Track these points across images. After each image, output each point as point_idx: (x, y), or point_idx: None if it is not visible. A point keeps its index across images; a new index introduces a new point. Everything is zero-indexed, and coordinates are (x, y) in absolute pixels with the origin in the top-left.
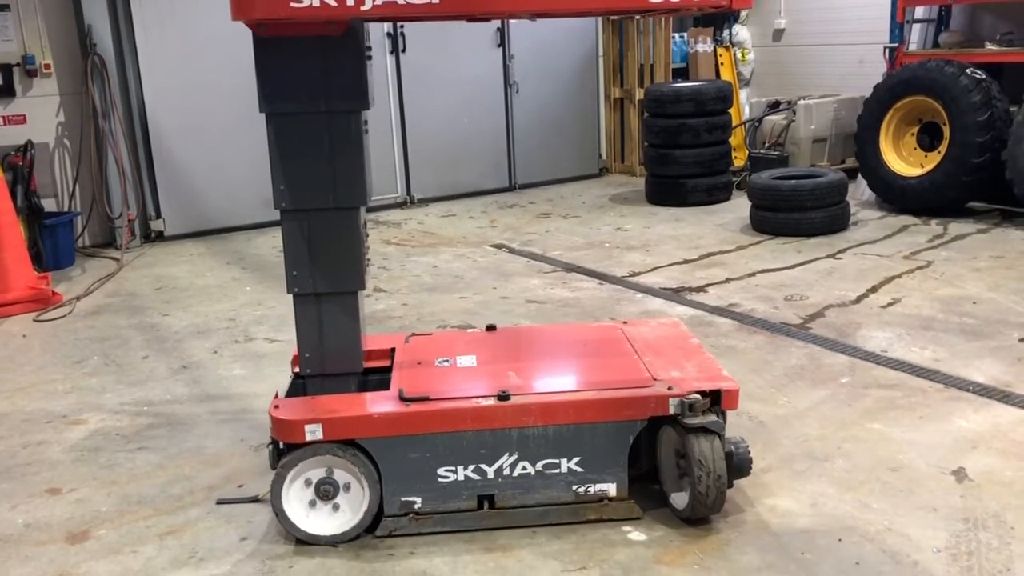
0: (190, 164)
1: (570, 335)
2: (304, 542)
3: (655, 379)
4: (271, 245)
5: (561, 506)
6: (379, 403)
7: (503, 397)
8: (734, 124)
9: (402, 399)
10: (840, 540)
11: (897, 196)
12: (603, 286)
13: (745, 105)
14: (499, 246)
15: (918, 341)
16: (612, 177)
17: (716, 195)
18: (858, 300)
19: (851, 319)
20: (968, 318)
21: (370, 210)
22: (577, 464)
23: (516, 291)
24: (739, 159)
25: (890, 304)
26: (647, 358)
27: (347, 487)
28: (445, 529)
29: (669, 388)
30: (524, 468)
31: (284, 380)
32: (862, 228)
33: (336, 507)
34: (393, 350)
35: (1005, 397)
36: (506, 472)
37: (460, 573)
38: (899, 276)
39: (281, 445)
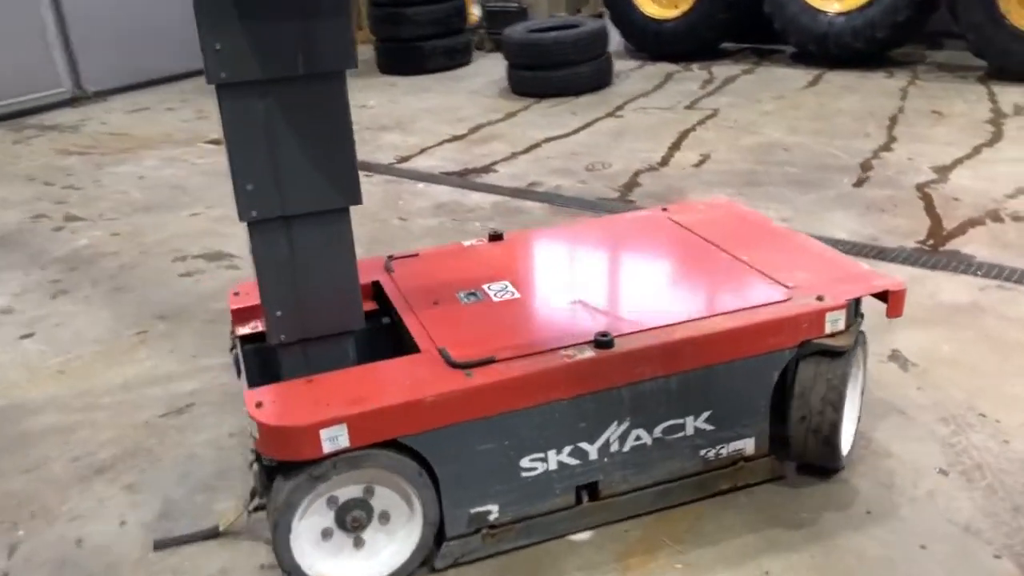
0: None
1: (614, 235)
2: None
3: (786, 287)
4: None
5: (684, 480)
6: (424, 378)
7: (603, 343)
8: None
9: (453, 366)
10: None
11: (652, 42)
12: (372, 178)
13: None
14: (220, 142)
15: (752, 199)
16: None
17: (457, 58)
18: (664, 161)
19: (669, 183)
20: (788, 167)
21: (28, 112)
22: (707, 421)
23: None
24: (472, 16)
25: (701, 162)
26: (746, 257)
27: (385, 511)
28: (530, 541)
29: (819, 298)
30: (638, 438)
31: None
32: (626, 81)
33: (373, 541)
34: (376, 285)
35: (880, 253)
36: (614, 448)
37: None
38: (692, 129)
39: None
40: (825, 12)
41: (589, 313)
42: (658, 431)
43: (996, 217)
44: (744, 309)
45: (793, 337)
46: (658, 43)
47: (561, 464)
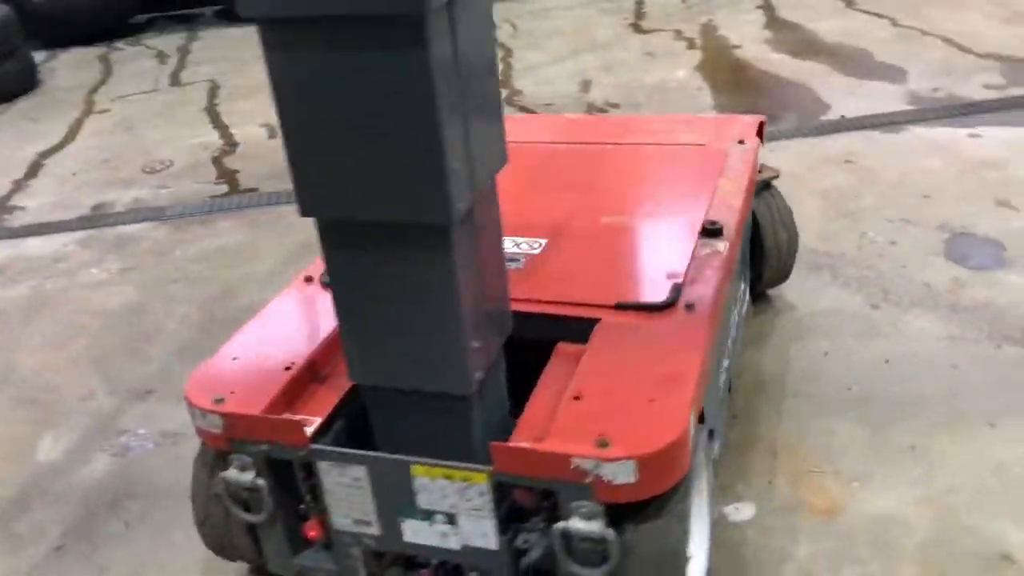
0: None
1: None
2: None
3: (704, 145)
4: None
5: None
6: (665, 334)
7: (714, 231)
8: None
9: (663, 308)
10: None
11: (44, 25)
12: None
13: None
14: None
15: None
16: None
17: None
18: (231, 141)
19: (281, 161)
20: None
21: None
22: (745, 283)
23: None
24: None
25: (276, 134)
26: (637, 139)
27: None
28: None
29: (742, 142)
30: (738, 315)
31: None
32: (58, 75)
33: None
34: None
35: None
36: (734, 333)
37: None
38: (214, 106)
39: None
40: None
41: (644, 221)
42: (739, 302)
43: (612, 104)
44: (730, 172)
45: (754, 180)
46: (54, 25)
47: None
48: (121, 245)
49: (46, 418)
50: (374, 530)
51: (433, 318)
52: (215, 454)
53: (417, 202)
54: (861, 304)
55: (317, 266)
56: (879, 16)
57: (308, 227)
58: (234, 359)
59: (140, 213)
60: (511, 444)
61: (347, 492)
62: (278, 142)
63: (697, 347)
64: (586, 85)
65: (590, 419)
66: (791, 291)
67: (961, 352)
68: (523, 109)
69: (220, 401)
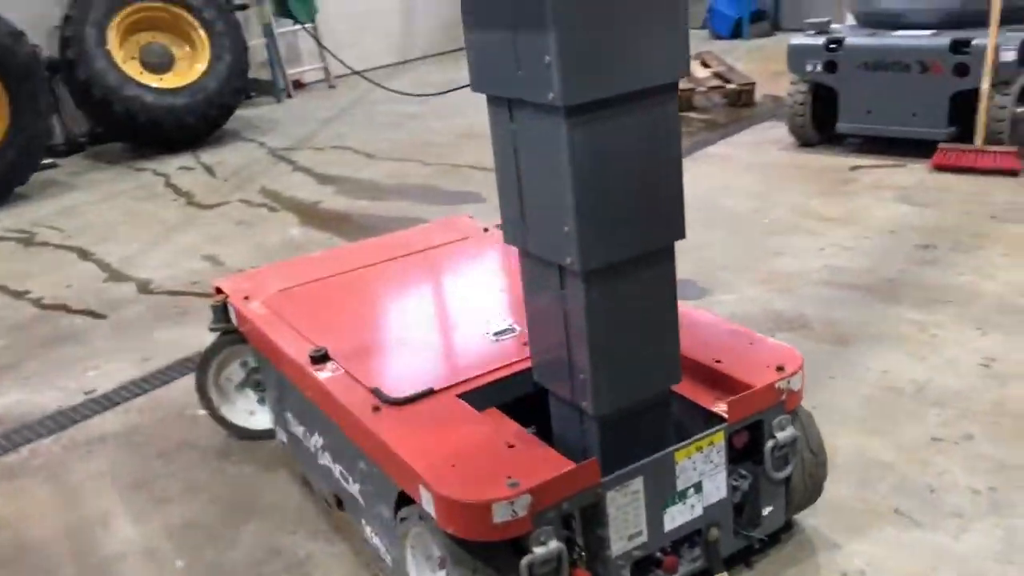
0: None
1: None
2: None
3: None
4: None
5: None
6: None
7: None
8: None
9: None
10: None
11: None
12: None
13: None
14: None
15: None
16: None
17: None
18: None
19: None
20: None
21: None
22: None
23: None
24: None
25: None
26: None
27: None
28: None
29: (486, 230)
30: None
31: None
32: None
33: None
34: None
35: None
36: None
37: None
38: None
39: None
40: None
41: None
42: None
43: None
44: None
45: None
46: None
47: None
48: None
49: None
50: (643, 537)
51: (662, 323)
52: (491, 554)
53: (667, 228)
54: None
55: None
56: (404, 160)
57: (78, 449)
58: (453, 466)
59: None
60: (739, 396)
61: (625, 512)
62: None
63: None
64: (214, 259)
65: (751, 364)
66: None
67: None
68: (172, 294)
69: (516, 484)
